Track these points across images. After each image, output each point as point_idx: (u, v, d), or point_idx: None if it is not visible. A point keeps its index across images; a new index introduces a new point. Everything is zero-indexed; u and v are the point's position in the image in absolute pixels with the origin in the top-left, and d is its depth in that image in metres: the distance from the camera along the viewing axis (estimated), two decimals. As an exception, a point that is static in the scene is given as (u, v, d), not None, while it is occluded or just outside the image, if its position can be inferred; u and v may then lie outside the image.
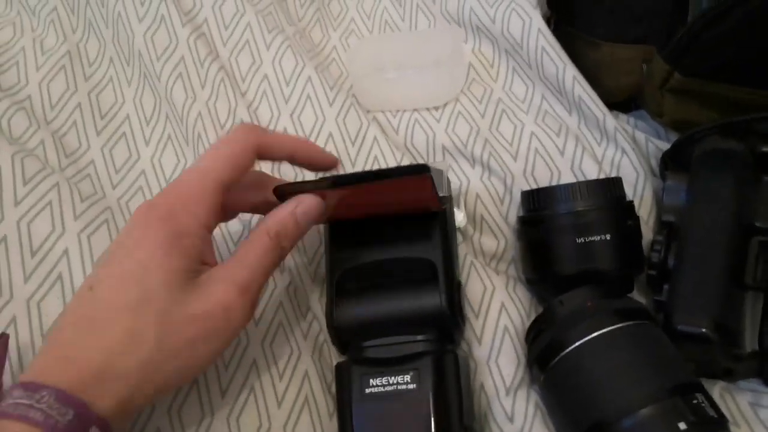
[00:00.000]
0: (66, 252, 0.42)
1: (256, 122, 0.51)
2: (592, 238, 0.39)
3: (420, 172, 0.32)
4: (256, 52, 0.54)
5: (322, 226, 0.43)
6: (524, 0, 0.53)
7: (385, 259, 0.37)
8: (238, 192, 0.35)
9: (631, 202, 0.41)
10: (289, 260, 0.44)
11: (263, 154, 0.35)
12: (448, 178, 0.42)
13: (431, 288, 0.36)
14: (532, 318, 0.41)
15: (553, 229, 0.39)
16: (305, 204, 0.34)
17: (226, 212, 0.35)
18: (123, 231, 0.32)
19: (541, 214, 0.40)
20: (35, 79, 0.53)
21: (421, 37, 0.56)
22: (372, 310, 0.36)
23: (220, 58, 0.54)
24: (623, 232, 0.39)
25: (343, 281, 0.37)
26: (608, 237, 0.38)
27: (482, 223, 0.46)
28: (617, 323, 0.34)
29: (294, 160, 0.37)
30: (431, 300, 0.36)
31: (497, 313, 0.40)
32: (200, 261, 0.31)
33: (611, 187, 0.40)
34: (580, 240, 0.39)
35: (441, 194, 0.36)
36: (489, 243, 0.45)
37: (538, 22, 0.51)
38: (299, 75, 0.53)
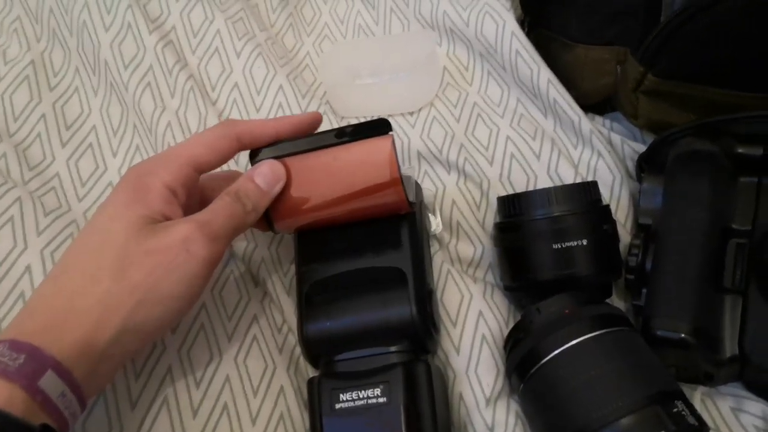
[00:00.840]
0: (29, 268, 0.40)
1: None
2: (569, 244, 0.38)
3: (381, 129, 0.35)
4: (226, 59, 0.53)
5: (293, 239, 0.42)
6: (497, 3, 0.53)
7: (354, 269, 0.37)
8: (217, 182, 0.38)
9: (608, 206, 0.40)
10: (263, 272, 0.43)
11: (248, 141, 0.36)
12: (416, 183, 0.41)
13: (401, 297, 0.36)
14: (511, 326, 0.40)
15: (529, 235, 0.39)
16: (261, 167, 0.36)
17: (204, 199, 0.37)
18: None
19: (517, 220, 0.40)
20: (-3, 90, 0.51)
21: (394, 42, 0.55)
22: (341, 323, 0.36)
23: (189, 66, 0.53)
24: (600, 236, 0.38)
25: (312, 294, 0.37)
26: (585, 242, 0.38)
27: (458, 230, 0.45)
28: (595, 330, 0.34)
29: (285, 137, 0.38)
30: (401, 310, 0.35)
31: (475, 322, 0.40)
32: (159, 213, 0.32)
33: (587, 191, 0.39)
34: (557, 246, 0.38)
35: (410, 200, 0.36)
36: (465, 250, 0.44)
37: (512, 25, 0.51)
38: (270, 83, 0.52)
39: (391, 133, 0.36)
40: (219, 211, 0.34)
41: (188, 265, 0.31)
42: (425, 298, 0.37)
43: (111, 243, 0.31)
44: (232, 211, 0.34)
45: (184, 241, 0.31)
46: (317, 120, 0.39)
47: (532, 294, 0.40)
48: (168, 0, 0.54)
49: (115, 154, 0.49)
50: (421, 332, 0.36)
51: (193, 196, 0.36)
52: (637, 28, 0.44)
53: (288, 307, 0.42)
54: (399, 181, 0.35)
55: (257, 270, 0.43)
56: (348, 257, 0.37)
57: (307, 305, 0.36)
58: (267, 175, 0.35)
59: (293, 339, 0.41)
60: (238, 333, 0.41)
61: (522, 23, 0.52)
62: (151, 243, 0.31)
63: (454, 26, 0.54)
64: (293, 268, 0.43)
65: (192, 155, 0.34)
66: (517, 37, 0.50)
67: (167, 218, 0.33)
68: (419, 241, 0.38)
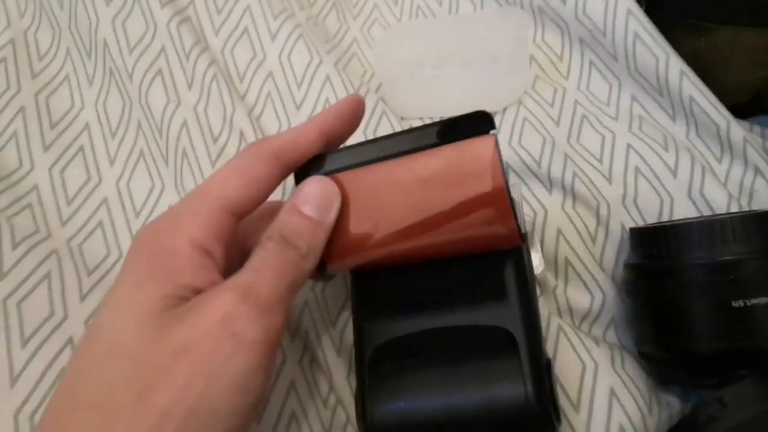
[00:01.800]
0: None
1: (260, 133, 0.39)
2: (755, 301, 0.27)
3: (478, 126, 0.26)
4: (258, 42, 0.42)
5: (348, 277, 0.32)
6: (603, -26, 0.41)
7: (438, 328, 0.27)
8: (258, 222, 0.27)
9: (798, 244, 0.29)
10: (305, 321, 0.32)
11: (290, 158, 0.27)
12: (521, 207, 0.30)
13: (509, 372, 0.25)
14: (656, 411, 0.29)
15: (690, 286, 0.28)
16: (305, 189, 0.26)
17: (246, 250, 0.26)
18: None
19: (668, 263, 0.29)
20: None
21: (469, 24, 0.44)
22: (422, 407, 0.26)
23: (211, 50, 0.42)
24: (797, 290, 0.27)
25: (379, 361, 0.27)
26: (777, 299, 0.26)
27: (567, 270, 0.34)
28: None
29: (332, 144, 0.29)
30: (510, 390, 0.25)
31: (606, 405, 0.29)
32: (189, 287, 0.23)
33: (772, 223, 0.28)
34: (737, 304, 0.27)
35: (521, 229, 0.27)
36: (579, 298, 0.33)
37: (627, 1, 0.39)
38: (314, 73, 0.41)
39: (494, 132, 0.26)
40: (264, 265, 0.24)
41: (239, 357, 0.22)
42: (543, 372, 0.26)
43: (122, 347, 0.22)
44: (282, 262, 0.24)
45: (226, 322, 0.22)
46: (359, 103, 0.30)
47: (690, 369, 0.29)
48: (185, -32, 0.43)
49: (112, 162, 0.38)
50: (540, 422, 0.25)
51: (234, 251, 0.27)
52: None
53: (338, 373, 0.31)
54: (505, 197, 0.25)
55: (297, 318, 0.33)
56: (430, 311, 0.27)
57: (372, 378, 0.26)
58: (315, 198, 0.26)
59: (344, 415, 0.31)
60: (272, 406, 0.31)
61: (638, 1, 0.40)
62: (178, 336, 0.22)
63: (545, 4, 0.43)
64: (345, 315, 0.32)
65: (224, 194, 0.25)
66: (636, 16, 0.39)
67: (201, 291, 0.24)
68: (531, 289, 0.28)
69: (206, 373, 0.21)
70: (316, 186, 0.26)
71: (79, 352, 0.24)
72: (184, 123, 0.39)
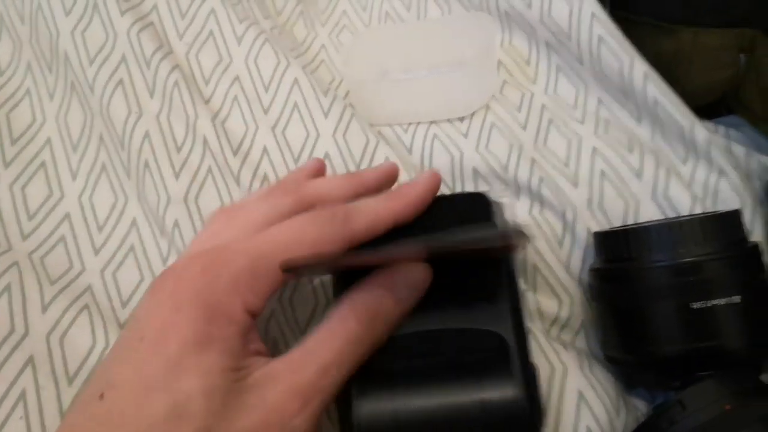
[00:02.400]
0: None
1: (224, 139, 0.38)
2: (715, 302, 0.27)
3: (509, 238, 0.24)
4: (224, 46, 0.41)
5: (326, 279, 0.32)
6: (568, -22, 0.41)
7: (427, 330, 0.26)
8: None
9: (757, 246, 0.29)
10: (273, 329, 0.32)
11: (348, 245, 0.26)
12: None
13: (501, 374, 0.25)
14: (623, 414, 0.29)
15: (652, 289, 0.28)
16: (413, 274, 0.25)
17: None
18: (139, 312, 0.23)
19: (630, 266, 0.29)
20: None
21: (437, 29, 0.44)
22: (412, 408, 0.24)
23: (175, 55, 0.41)
24: (757, 291, 0.27)
25: (365, 364, 0.25)
26: (738, 299, 0.27)
27: (536, 275, 0.34)
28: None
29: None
30: (501, 393, 0.24)
31: (574, 408, 0.29)
32: (242, 357, 0.22)
33: (731, 225, 0.28)
34: (697, 305, 0.27)
35: (513, 241, 0.25)
36: (547, 303, 0.33)
37: (591, 5, 0.39)
38: (282, 76, 0.40)
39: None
40: (336, 357, 0.23)
41: None
42: (532, 377, 0.25)
43: (187, 417, 0.20)
44: (357, 354, 0.23)
45: (281, 426, 0.21)
46: (394, 174, 0.30)
47: (654, 371, 0.29)
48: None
49: (74, 176, 0.37)
50: (531, 425, 0.24)
51: None
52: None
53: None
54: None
55: (264, 328, 0.32)
56: (419, 313, 0.26)
57: (360, 380, 0.25)
58: (418, 286, 0.26)
59: (330, 426, 0.29)
60: None
61: (602, 3, 0.40)
62: (241, 424, 0.21)
63: (511, 9, 0.42)
64: (314, 324, 0.32)
65: (285, 258, 0.23)
66: (599, 19, 0.39)
67: (250, 356, 0.23)
68: (519, 294, 0.28)
69: None
70: (417, 271, 0.25)
71: (108, 404, 0.21)
72: (146, 134, 0.38)
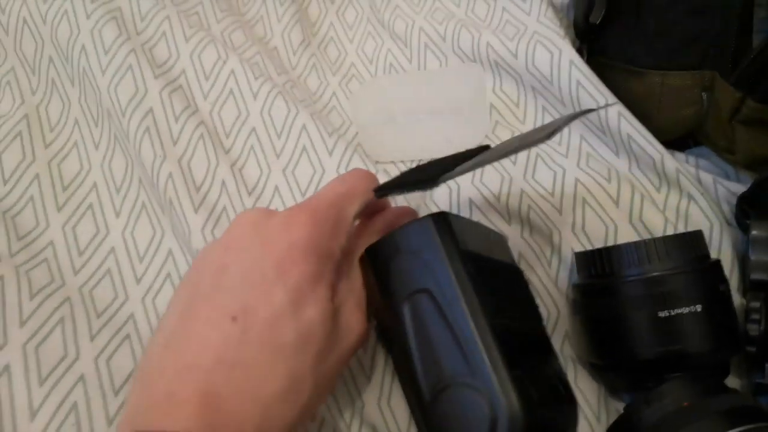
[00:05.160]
0: (7, 369, 0.33)
1: (240, 183, 0.43)
2: (679, 311, 0.30)
3: None
4: (242, 102, 0.47)
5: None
6: (549, 30, 0.46)
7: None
8: None
9: (719, 261, 0.33)
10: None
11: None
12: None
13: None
14: (604, 419, 0.33)
15: (625, 301, 0.32)
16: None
17: None
18: (252, 246, 0.27)
19: (606, 282, 0.32)
20: (-16, 152, 0.45)
21: (435, 78, 0.49)
22: None
23: (200, 113, 0.46)
24: (717, 300, 0.31)
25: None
26: (699, 308, 0.30)
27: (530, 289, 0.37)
28: (728, 430, 0.26)
29: None
30: None
31: None
32: (335, 285, 0.28)
33: (694, 243, 0.32)
34: (663, 314, 0.30)
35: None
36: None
37: (570, 53, 0.44)
38: (292, 124, 0.45)
39: None
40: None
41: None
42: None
43: (310, 342, 0.26)
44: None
45: (361, 340, 0.30)
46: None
47: (628, 375, 0.32)
48: (177, 41, 0.48)
49: (118, 214, 0.42)
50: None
51: None
52: (726, 48, 0.37)
53: (369, 392, 0.34)
54: None
55: None
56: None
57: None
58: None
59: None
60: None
61: (579, 52, 0.45)
62: (341, 346, 0.28)
63: (500, 59, 0.47)
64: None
65: (362, 204, 0.31)
66: (577, 66, 0.43)
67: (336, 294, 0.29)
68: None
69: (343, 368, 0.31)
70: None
71: (243, 328, 0.25)
72: (170, 176, 0.42)
